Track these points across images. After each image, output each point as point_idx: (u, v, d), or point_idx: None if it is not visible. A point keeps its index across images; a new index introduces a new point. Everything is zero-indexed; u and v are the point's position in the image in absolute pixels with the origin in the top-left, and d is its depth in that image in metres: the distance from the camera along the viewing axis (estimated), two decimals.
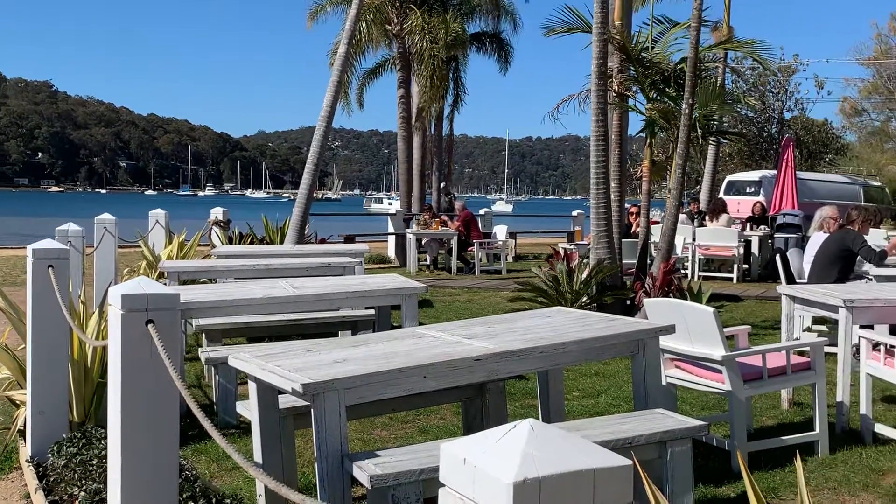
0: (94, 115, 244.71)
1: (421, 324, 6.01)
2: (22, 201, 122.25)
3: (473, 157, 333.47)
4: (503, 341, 4.14)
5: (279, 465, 4.03)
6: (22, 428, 5.32)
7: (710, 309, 5.02)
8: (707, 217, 16.47)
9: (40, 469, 4.80)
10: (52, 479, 4.59)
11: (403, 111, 19.82)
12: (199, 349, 6.56)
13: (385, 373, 3.61)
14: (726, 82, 18.71)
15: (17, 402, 5.61)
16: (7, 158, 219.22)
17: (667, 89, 10.85)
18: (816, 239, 9.00)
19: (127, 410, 3.11)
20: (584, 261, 9.84)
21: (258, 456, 4.02)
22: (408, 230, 17.11)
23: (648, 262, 10.60)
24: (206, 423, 2.58)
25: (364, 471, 3.28)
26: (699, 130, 10.81)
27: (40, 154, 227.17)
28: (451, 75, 21.84)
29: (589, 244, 10.86)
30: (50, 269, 4.93)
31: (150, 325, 3.10)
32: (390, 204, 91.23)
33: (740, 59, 24.77)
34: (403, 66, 19.75)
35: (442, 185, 22.49)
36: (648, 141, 11.27)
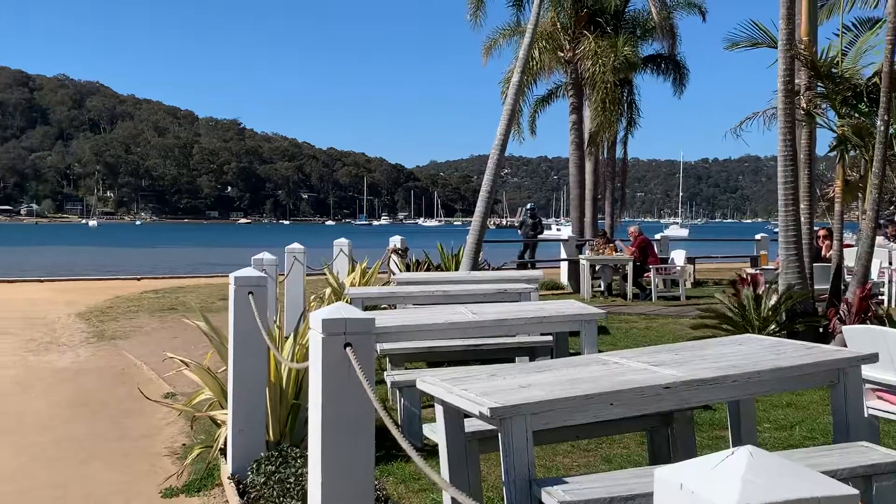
0: (279, 151, 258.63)
1: (599, 351, 5.94)
2: (214, 233, 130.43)
3: (646, 180, 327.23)
4: (693, 369, 4.02)
5: (465, 488, 4.08)
6: (223, 446, 5.64)
7: None
8: None
9: (240, 486, 5.07)
10: (252, 495, 4.84)
11: (576, 137, 19.75)
12: (384, 373, 6.75)
13: (571, 399, 3.59)
14: None
15: (219, 421, 5.96)
16: (200, 193, 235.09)
17: (859, 105, 10.25)
18: None
19: (327, 430, 3.24)
20: (772, 286, 9.41)
21: (445, 478, 4.08)
22: (581, 256, 16.97)
23: (842, 287, 10.02)
24: (405, 444, 2.66)
25: (553, 497, 3.27)
26: None
27: (229, 188, 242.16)
28: (624, 99, 21.59)
29: (776, 269, 10.39)
30: (250, 295, 5.23)
31: (348, 349, 3.23)
32: (559, 230, 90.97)
33: None
34: (576, 92, 19.71)
35: (528, 206, 22.25)
36: (840, 160, 10.68)
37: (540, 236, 21.77)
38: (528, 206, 22.19)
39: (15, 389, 8.47)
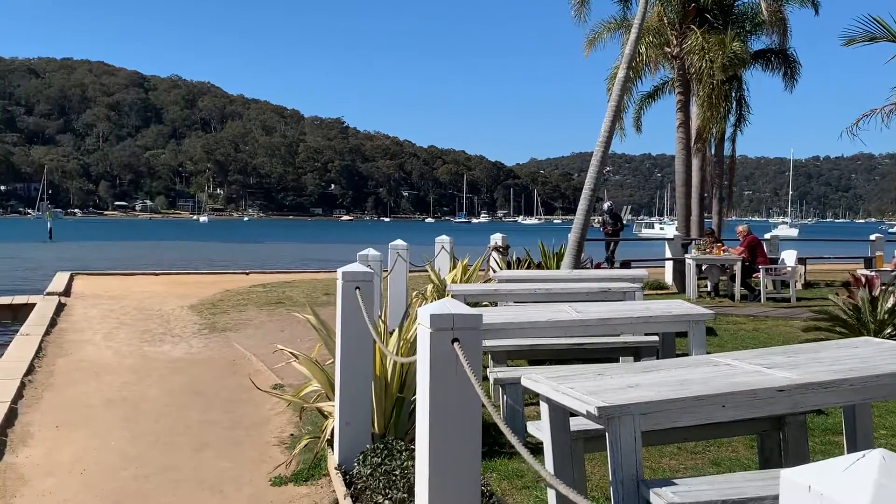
0: (380, 149, 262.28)
1: (707, 353, 5.81)
2: (317, 229, 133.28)
3: (754, 178, 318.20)
4: (807, 372, 3.90)
5: (570, 487, 4.05)
6: (330, 438, 5.77)
7: None
8: None
9: (347, 477, 5.17)
10: (358, 486, 4.93)
11: (682, 134, 19.32)
12: (487, 369, 6.78)
13: (681, 400, 3.54)
14: None
15: (326, 412, 6.10)
16: (304, 190, 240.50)
17: None
18: None
19: (434, 424, 3.28)
20: (889, 288, 9.02)
21: (548, 477, 4.06)
22: (687, 255, 16.62)
23: None
24: (514, 441, 2.66)
25: (662, 498, 3.23)
26: None
27: (333, 186, 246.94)
28: (733, 95, 21.01)
29: (893, 270, 9.96)
30: (357, 290, 5.33)
31: (455, 344, 3.26)
32: (662, 229, 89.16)
33: None
34: (682, 88, 19.27)
35: (606, 205, 21.74)
36: None
37: (642, 234, 21.47)
38: (606, 204, 21.87)
39: (132, 378, 8.85)
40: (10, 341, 10.80)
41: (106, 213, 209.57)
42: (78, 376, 8.89)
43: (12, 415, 7.22)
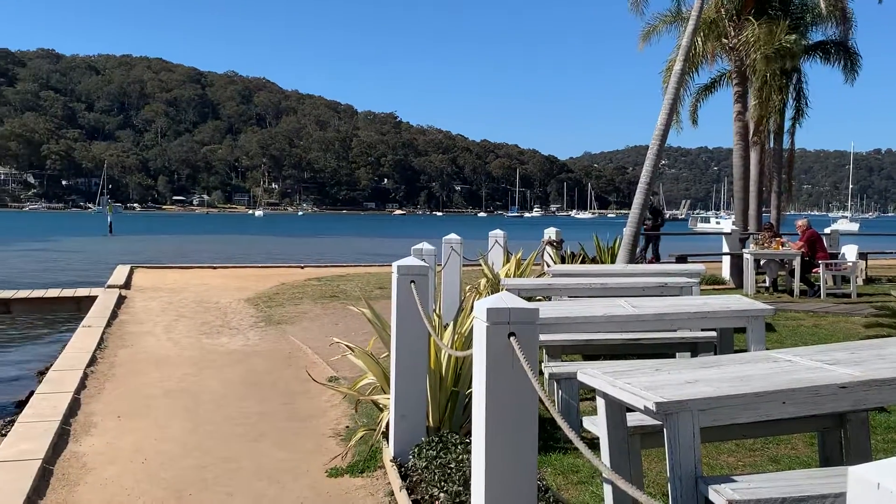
0: (433, 143, 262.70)
1: (766, 349, 5.73)
2: (371, 223, 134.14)
3: (813, 172, 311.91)
4: (871, 368, 3.83)
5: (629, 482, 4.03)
6: (385, 430, 5.82)
7: None
8: None
9: (402, 469, 5.21)
10: (413, 479, 4.96)
11: (740, 127, 19.00)
12: (541, 364, 6.76)
13: (741, 396, 3.49)
14: None
15: (381, 405, 6.15)
16: (358, 184, 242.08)
17: None
18: None
19: (491, 418, 3.29)
20: None
21: (606, 472, 4.04)
22: (744, 250, 16.36)
23: None
24: (572, 436, 2.66)
25: (721, 495, 3.19)
26: None
27: (386, 180, 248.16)
28: (791, 87, 20.60)
29: None
30: (412, 284, 5.36)
31: (512, 338, 3.26)
32: (718, 223, 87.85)
33: None
34: (740, 81, 18.96)
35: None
36: None
37: (697, 228, 21.12)
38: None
39: (191, 370, 9.02)
40: (74, 333, 11.07)
41: (164, 207, 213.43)
42: (138, 367, 9.09)
43: (75, 405, 7.42)
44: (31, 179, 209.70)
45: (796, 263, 15.21)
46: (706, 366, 4.14)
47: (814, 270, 15.48)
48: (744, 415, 3.56)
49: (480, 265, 13.35)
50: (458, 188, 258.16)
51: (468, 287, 11.71)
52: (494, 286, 11.36)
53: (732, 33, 18.66)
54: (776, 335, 10.30)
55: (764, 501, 3.14)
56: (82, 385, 8.10)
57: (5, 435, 6.91)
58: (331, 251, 49.50)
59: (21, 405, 9.68)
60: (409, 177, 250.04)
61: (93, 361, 9.17)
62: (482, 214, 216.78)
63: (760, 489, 3.24)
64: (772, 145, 21.70)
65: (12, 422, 7.29)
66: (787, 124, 21.67)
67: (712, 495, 3.25)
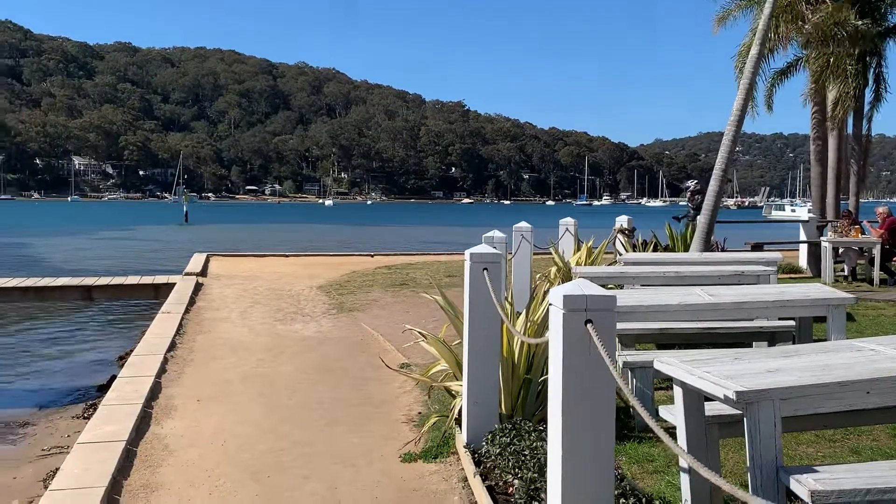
0: (501, 132, 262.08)
1: (847, 338, 5.58)
2: (439, 212, 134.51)
3: (892, 157, 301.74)
4: None
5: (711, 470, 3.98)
6: (457, 417, 5.84)
7: None
8: None
9: (475, 455, 5.23)
10: (486, 465, 4.98)
11: (817, 112, 18.50)
12: (616, 353, 6.70)
13: (824, 385, 3.42)
14: None
15: (454, 392, 6.18)
16: (425, 173, 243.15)
17: None
18: None
19: (567, 405, 3.28)
20: None
21: (683, 462, 4.01)
22: (822, 238, 15.95)
23: None
24: (652, 424, 2.64)
25: (804, 485, 3.13)
26: None
27: (453, 169, 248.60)
28: (871, 71, 19.92)
29: None
30: (485, 271, 5.36)
31: (588, 325, 3.24)
32: (793, 211, 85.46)
33: None
34: (816, 64, 18.41)
35: (687, 184, 20.16)
36: None
37: (772, 216, 20.52)
38: (687, 184, 20.53)
39: (266, 356, 9.19)
40: (153, 319, 11.39)
41: (237, 196, 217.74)
42: (216, 353, 9.30)
43: (156, 388, 7.63)
44: (109, 170, 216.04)
45: (876, 251, 14.77)
46: (786, 355, 4.06)
47: (894, 259, 15.01)
48: (826, 404, 3.49)
49: (550, 253, 13.27)
50: (525, 176, 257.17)
51: (538, 275, 11.67)
52: (565, 274, 11.30)
53: (809, 16, 18.12)
54: (856, 325, 10.02)
55: (847, 492, 3.07)
56: (163, 369, 8.32)
57: (89, 418, 7.17)
58: (399, 239, 49.86)
59: (102, 389, 10.04)
60: (476, 165, 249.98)
61: (172, 347, 9.42)
62: (550, 203, 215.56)
63: (843, 480, 3.17)
64: (850, 131, 21.03)
65: (95, 405, 7.54)
66: (866, 109, 20.98)
67: (794, 485, 3.19)
